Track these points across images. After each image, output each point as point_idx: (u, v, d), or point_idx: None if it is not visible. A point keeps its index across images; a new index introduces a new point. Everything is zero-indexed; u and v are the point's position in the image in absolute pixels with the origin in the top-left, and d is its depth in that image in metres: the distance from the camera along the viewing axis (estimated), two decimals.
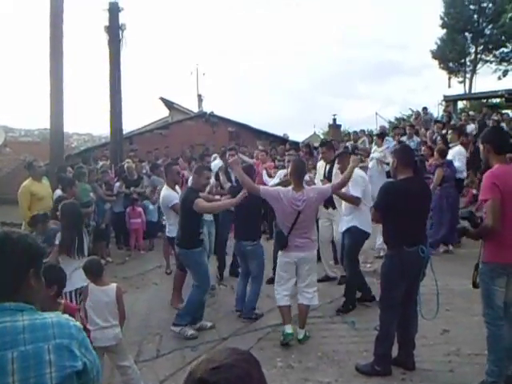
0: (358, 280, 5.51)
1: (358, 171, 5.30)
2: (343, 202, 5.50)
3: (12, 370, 1.41)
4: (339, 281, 6.28)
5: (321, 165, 6.47)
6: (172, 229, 5.67)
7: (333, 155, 6.27)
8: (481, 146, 3.96)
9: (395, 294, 3.86)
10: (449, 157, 7.62)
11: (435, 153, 7.63)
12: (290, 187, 4.59)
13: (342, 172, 5.43)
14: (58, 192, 6.43)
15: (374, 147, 10.32)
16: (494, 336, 3.46)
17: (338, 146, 10.57)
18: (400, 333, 3.97)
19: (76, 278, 3.98)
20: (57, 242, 4.31)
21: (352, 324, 5.00)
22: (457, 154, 7.82)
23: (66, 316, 1.64)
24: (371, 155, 8.68)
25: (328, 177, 6.12)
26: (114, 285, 3.80)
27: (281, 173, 6.69)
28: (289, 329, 4.65)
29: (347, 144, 11.82)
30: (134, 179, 9.06)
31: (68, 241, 4.31)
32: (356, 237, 5.37)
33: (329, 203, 6.02)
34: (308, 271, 4.68)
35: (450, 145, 8.46)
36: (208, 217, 6.25)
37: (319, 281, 6.34)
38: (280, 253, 4.74)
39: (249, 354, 1.15)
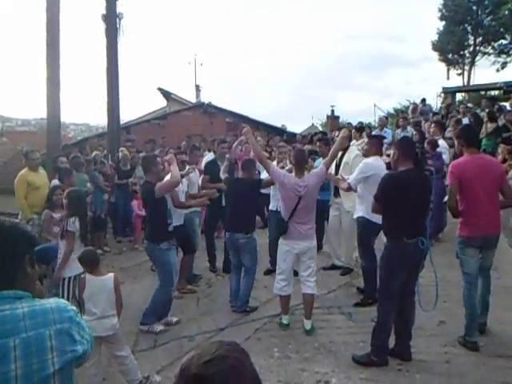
0: (371, 270, 5.39)
1: (368, 159, 5.39)
2: (358, 189, 5.44)
3: (14, 357, 1.41)
4: (342, 272, 6.35)
5: None
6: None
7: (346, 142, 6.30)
8: (455, 141, 5.03)
9: (394, 286, 3.87)
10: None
11: (426, 144, 7.72)
12: (292, 173, 4.78)
13: (364, 154, 5.60)
14: (55, 182, 6.39)
15: (353, 141, 10.39)
16: (466, 294, 4.21)
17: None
18: (397, 324, 3.98)
19: (76, 265, 3.98)
20: (69, 229, 4.30)
21: (349, 315, 5.02)
22: (441, 148, 7.91)
23: (63, 300, 1.65)
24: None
25: (338, 164, 6.21)
26: (111, 274, 3.79)
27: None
28: (285, 320, 4.82)
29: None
30: (127, 169, 8.99)
31: (84, 227, 4.38)
32: (363, 227, 5.33)
33: (337, 191, 6.16)
34: (309, 260, 4.75)
35: (436, 137, 8.58)
36: (199, 208, 6.27)
37: (325, 269, 6.49)
38: (280, 240, 4.78)
39: (236, 344, 1.15)
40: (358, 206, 5.46)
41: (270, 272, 6.51)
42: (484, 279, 4.37)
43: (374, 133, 11.55)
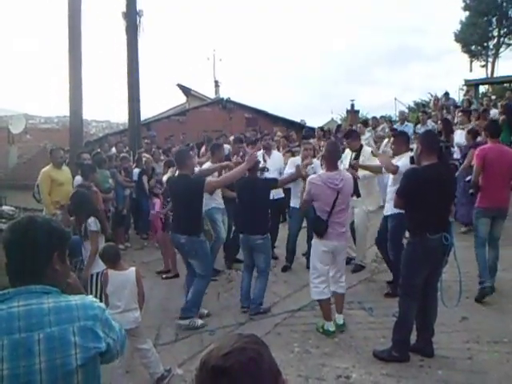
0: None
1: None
2: (388, 187, 5.38)
3: (38, 350, 1.44)
4: (354, 269, 6.25)
5: (347, 153, 6.39)
6: None
7: (358, 143, 6.26)
8: (482, 133, 6.53)
9: (416, 282, 3.83)
10: (458, 138, 8.12)
11: (466, 134, 7.67)
12: (322, 171, 4.67)
13: (394, 153, 5.49)
14: (78, 178, 6.49)
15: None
16: (477, 252, 5.17)
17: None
18: (419, 319, 3.95)
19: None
20: (93, 229, 4.31)
21: (370, 310, 4.99)
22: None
23: (90, 297, 1.67)
24: None
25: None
26: (132, 268, 3.85)
27: (294, 160, 6.59)
28: (331, 326, 4.50)
29: (367, 130, 11.63)
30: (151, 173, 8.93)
31: (104, 224, 4.45)
32: (399, 221, 5.07)
33: (354, 192, 6.02)
34: (343, 260, 4.72)
35: (461, 126, 8.72)
36: (220, 204, 6.26)
37: None
38: (316, 241, 4.57)
39: (255, 336, 1.16)
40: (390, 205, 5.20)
41: (287, 268, 6.51)
42: (493, 249, 5.22)
43: (395, 127, 11.43)
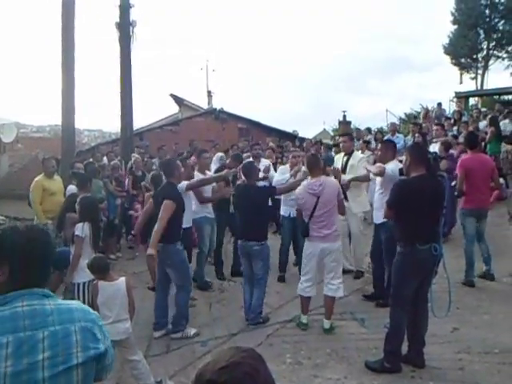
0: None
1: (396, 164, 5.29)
2: (376, 194, 5.43)
3: (42, 348, 1.48)
4: (355, 275, 6.34)
5: (339, 156, 6.61)
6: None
7: (352, 146, 6.49)
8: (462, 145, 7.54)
9: (406, 292, 3.85)
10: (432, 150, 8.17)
11: (439, 145, 7.99)
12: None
13: (380, 160, 5.52)
14: (71, 188, 6.45)
15: (359, 152, 10.49)
16: (466, 249, 5.96)
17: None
18: (410, 330, 3.95)
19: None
20: (77, 233, 4.34)
21: (361, 321, 4.99)
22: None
23: (86, 305, 1.73)
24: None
25: (344, 167, 6.26)
26: (122, 278, 3.82)
27: (283, 168, 6.79)
28: (304, 319, 4.91)
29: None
30: (139, 175, 8.95)
31: (95, 234, 4.43)
32: (391, 230, 5.23)
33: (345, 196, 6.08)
34: (333, 262, 4.78)
35: (435, 139, 9.02)
36: (210, 214, 6.27)
37: None
38: (306, 242, 4.94)
39: (252, 350, 1.15)
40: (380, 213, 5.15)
41: (281, 279, 6.50)
42: (483, 243, 6.02)
43: (386, 138, 11.55)
